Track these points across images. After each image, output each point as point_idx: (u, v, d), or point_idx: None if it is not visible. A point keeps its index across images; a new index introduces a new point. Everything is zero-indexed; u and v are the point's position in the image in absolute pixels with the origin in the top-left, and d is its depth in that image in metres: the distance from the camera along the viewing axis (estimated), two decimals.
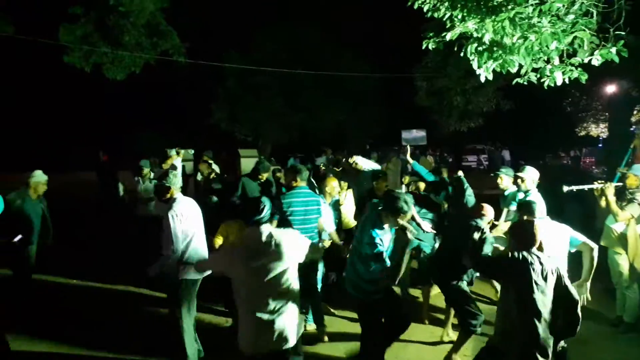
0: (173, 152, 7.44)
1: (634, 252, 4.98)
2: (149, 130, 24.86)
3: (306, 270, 4.87)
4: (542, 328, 3.05)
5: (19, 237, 5.36)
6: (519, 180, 5.29)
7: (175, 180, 4.15)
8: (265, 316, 2.94)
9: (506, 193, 5.69)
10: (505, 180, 5.67)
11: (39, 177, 5.65)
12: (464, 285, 4.49)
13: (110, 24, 13.08)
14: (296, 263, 3.13)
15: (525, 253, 3.13)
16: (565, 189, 4.98)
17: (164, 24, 13.89)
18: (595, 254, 3.96)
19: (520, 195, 5.31)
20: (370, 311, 3.98)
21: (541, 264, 3.09)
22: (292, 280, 3.08)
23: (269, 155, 20.27)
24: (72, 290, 6.68)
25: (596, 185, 5.05)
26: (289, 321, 3.04)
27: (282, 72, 17.48)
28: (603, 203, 5.06)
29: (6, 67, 18.53)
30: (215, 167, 9.09)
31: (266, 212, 3.05)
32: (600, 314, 5.48)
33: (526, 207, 4.15)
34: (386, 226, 3.80)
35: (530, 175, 5.26)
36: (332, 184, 5.53)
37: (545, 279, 3.06)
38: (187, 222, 4.03)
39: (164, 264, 3.96)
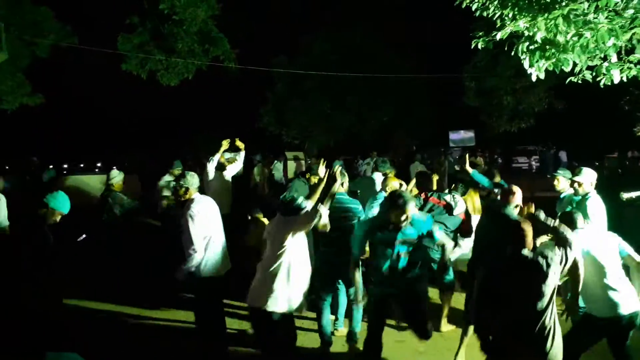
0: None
1: None
2: (200, 135, 25.67)
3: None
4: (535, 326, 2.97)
5: (83, 236, 5.59)
6: (575, 185, 4.85)
7: (193, 181, 4.18)
8: (269, 277, 3.51)
9: (562, 195, 5.39)
10: (562, 182, 5.36)
11: (119, 175, 6.08)
12: None
13: (164, 32, 13.74)
14: (301, 242, 3.63)
15: (516, 254, 3.04)
16: (625, 196, 4.72)
17: (215, 31, 14.38)
18: None
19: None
20: (381, 305, 3.92)
21: (532, 262, 3.00)
22: (296, 257, 3.57)
23: (315, 157, 20.43)
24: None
25: None
26: (287, 289, 3.52)
27: (329, 75, 17.64)
28: None
29: (70, 74, 19.76)
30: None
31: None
32: None
33: (566, 218, 3.77)
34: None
35: (588, 177, 4.82)
36: (393, 183, 5.33)
37: (542, 277, 2.96)
38: (205, 221, 4.08)
39: (190, 265, 4.01)
